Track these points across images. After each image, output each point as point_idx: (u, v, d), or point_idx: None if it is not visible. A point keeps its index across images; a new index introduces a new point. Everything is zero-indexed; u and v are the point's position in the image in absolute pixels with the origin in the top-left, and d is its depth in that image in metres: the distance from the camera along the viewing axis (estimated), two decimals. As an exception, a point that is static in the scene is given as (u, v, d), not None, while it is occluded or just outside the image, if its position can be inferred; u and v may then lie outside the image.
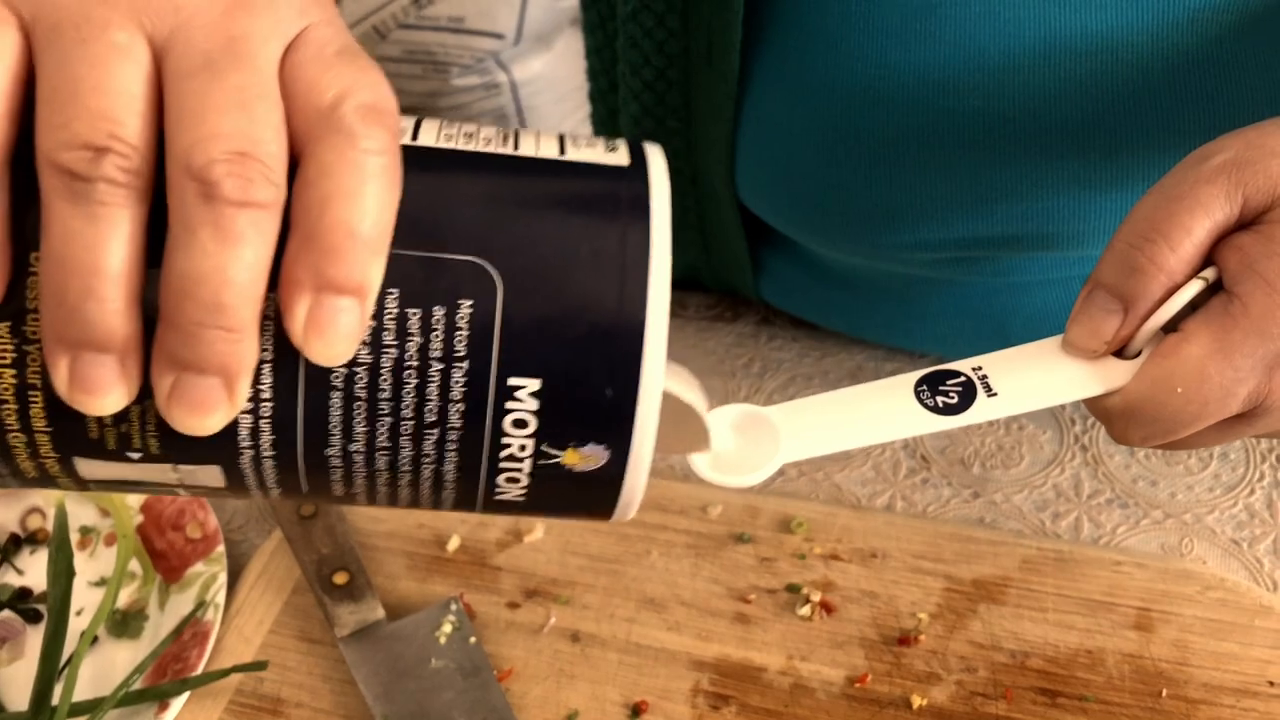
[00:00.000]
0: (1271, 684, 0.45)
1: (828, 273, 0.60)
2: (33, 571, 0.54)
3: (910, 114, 0.49)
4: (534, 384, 0.26)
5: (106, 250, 0.23)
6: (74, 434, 0.26)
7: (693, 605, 0.50)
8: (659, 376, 0.26)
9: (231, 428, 0.26)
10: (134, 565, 0.53)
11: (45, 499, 0.56)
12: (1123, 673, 0.46)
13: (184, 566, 0.52)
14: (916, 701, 0.46)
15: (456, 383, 0.26)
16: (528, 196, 0.26)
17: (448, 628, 0.49)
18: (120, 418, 0.26)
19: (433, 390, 0.26)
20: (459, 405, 0.26)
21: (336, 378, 0.26)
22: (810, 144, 0.52)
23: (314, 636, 0.50)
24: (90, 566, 0.54)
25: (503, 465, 0.27)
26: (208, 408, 0.24)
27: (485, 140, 0.27)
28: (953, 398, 0.37)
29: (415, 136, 0.27)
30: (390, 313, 0.25)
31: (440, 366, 0.26)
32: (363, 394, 0.26)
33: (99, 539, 0.55)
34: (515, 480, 0.27)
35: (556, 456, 0.27)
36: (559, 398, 0.26)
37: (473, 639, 0.49)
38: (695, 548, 0.52)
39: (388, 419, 0.26)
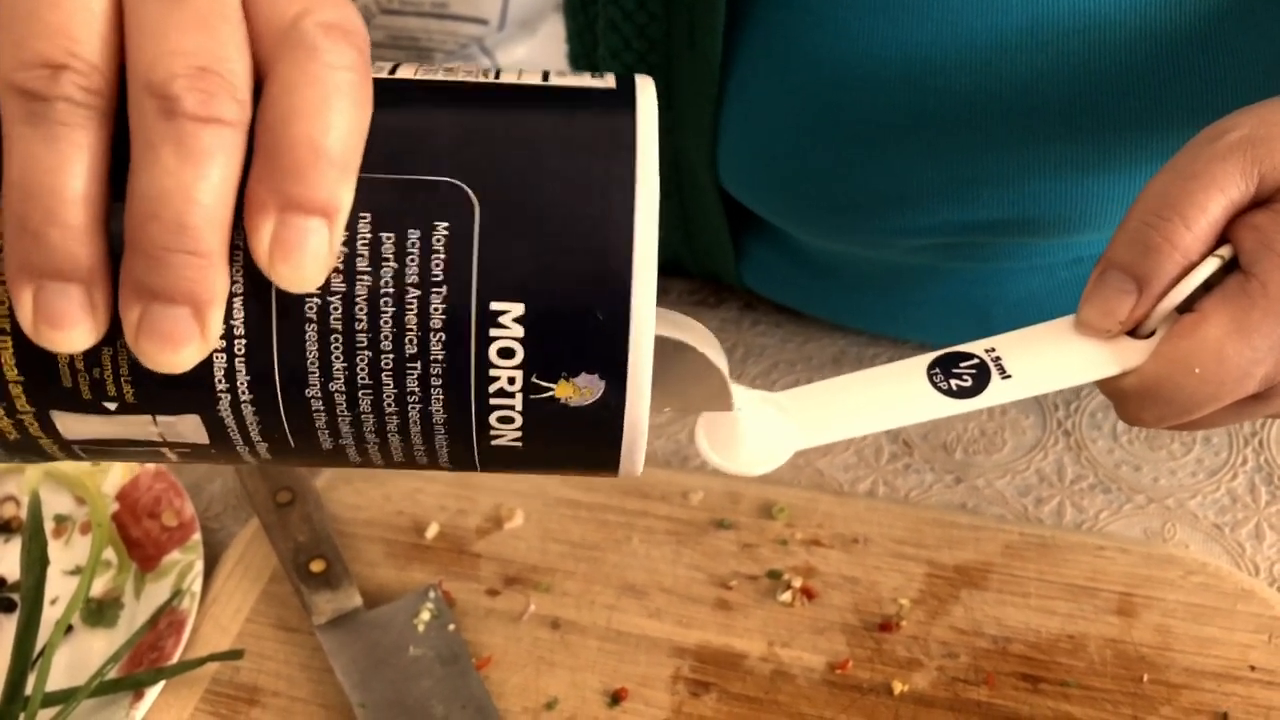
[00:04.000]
0: (1253, 668, 0.45)
1: (810, 259, 0.60)
2: (7, 560, 0.53)
3: (897, 94, 0.48)
4: (518, 309, 0.25)
5: (68, 173, 0.23)
6: (47, 382, 0.25)
7: (673, 592, 0.50)
8: (650, 298, 0.25)
9: (206, 369, 0.25)
10: (109, 554, 0.53)
11: (19, 487, 0.56)
12: (1104, 658, 0.46)
13: (160, 555, 0.52)
14: (898, 687, 0.46)
15: (435, 310, 0.25)
16: (505, 116, 0.25)
17: (426, 615, 0.49)
18: (92, 361, 0.25)
19: (411, 319, 0.25)
20: (440, 334, 0.25)
21: (310, 309, 0.24)
22: (794, 127, 0.51)
23: (291, 625, 0.50)
24: (65, 555, 0.53)
25: (494, 402, 0.26)
26: (178, 340, 0.23)
27: (465, 74, 0.27)
28: (966, 380, 0.36)
29: (393, 74, 0.26)
30: (364, 238, 0.24)
31: (417, 293, 0.24)
32: (339, 326, 0.25)
33: (74, 527, 0.55)
34: (509, 420, 0.26)
35: (549, 389, 0.25)
36: (545, 323, 0.25)
37: (451, 626, 0.49)
38: (676, 534, 0.52)
39: (366, 352, 0.25)
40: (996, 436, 0.56)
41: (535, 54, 1.38)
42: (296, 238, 0.23)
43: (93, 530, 0.53)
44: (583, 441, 0.27)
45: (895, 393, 0.36)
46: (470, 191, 0.24)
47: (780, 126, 0.52)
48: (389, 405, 0.26)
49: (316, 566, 0.50)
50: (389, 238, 0.24)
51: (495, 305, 0.25)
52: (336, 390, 0.25)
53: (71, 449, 0.27)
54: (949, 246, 0.54)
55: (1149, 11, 0.45)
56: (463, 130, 0.25)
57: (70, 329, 0.23)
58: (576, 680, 0.47)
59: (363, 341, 0.25)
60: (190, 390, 0.25)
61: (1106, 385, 0.38)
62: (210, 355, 0.25)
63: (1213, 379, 0.35)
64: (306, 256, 0.23)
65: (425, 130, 0.25)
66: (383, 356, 0.25)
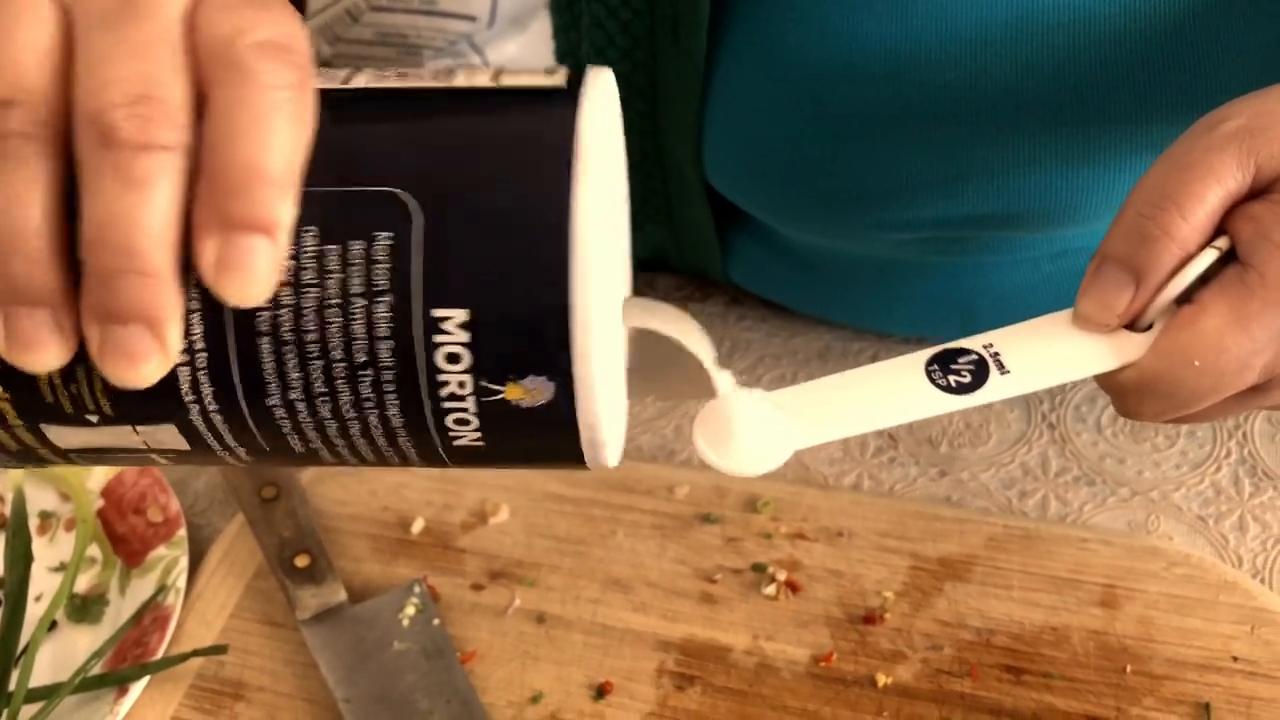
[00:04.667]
0: (1235, 659, 0.45)
1: (796, 254, 0.60)
2: (-9, 557, 0.53)
3: (882, 89, 0.48)
4: (461, 314, 0.25)
5: (25, 204, 0.23)
6: (32, 399, 0.26)
7: (658, 586, 0.50)
8: (596, 296, 0.25)
9: (172, 382, 0.26)
10: (94, 550, 0.53)
11: (3, 484, 0.56)
12: (1087, 649, 0.46)
13: (145, 550, 0.52)
14: (881, 680, 0.46)
15: (381, 318, 0.25)
16: (445, 122, 0.26)
17: (411, 610, 0.49)
18: (69, 378, 0.26)
19: (359, 328, 0.25)
20: (388, 342, 0.25)
21: (262, 322, 0.25)
22: (779, 122, 0.51)
23: (276, 620, 0.50)
24: (50, 552, 0.53)
25: (446, 405, 0.26)
26: (138, 357, 0.24)
27: (417, 79, 0.27)
28: (965, 376, 0.36)
29: (347, 83, 0.27)
30: (309, 251, 0.25)
31: (363, 303, 0.25)
32: (290, 337, 0.25)
33: (59, 524, 0.54)
34: (465, 422, 0.26)
35: (499, 392, 0.26)
36: (488, 328, 0.25)
37: (436, 621, 0.49)
38: (661, 528, 0.52)
39: (319, 361, 0.25)
40: (981, 430, 0.57)
41: (526, 51, 1.38)
42: (240, 256, 0.24)
43: (77, 526, 0.53)
44: (542, 440, 0.27)
45: (894, 390, 0.36)
46: (411, 200, 0.25)
47: (765, 122, 0.52)
48: (348, 411, 0.26)
49: (301, 562, 0.50)
50: (333, 249, 0.25)
51: (438, 312, 0.25)
52: (296, 399, 0.26)
53: (69, 456, 0.28)
54: (934, 240, 0.54)
55: (1134, 5, 0.45)
56: (403, 138, 0.25)
57: (40, 351, 0.24)
58: (561, 674, 0.47)
59: (314, 351, 0.25)
60: (161, 401, 0.26)
61: (1105, 380, 0.37)
62: (175, 369, 0.25)
63: (1212, 371, 0.34)
64: (251, 273, 0.24)
65: (368, 140, 0.25)
66: (335, 365, 0.26)
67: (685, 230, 0.61)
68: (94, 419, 0.27)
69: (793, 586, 0.49)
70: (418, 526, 0.53)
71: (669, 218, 0.62)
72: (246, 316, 0.25)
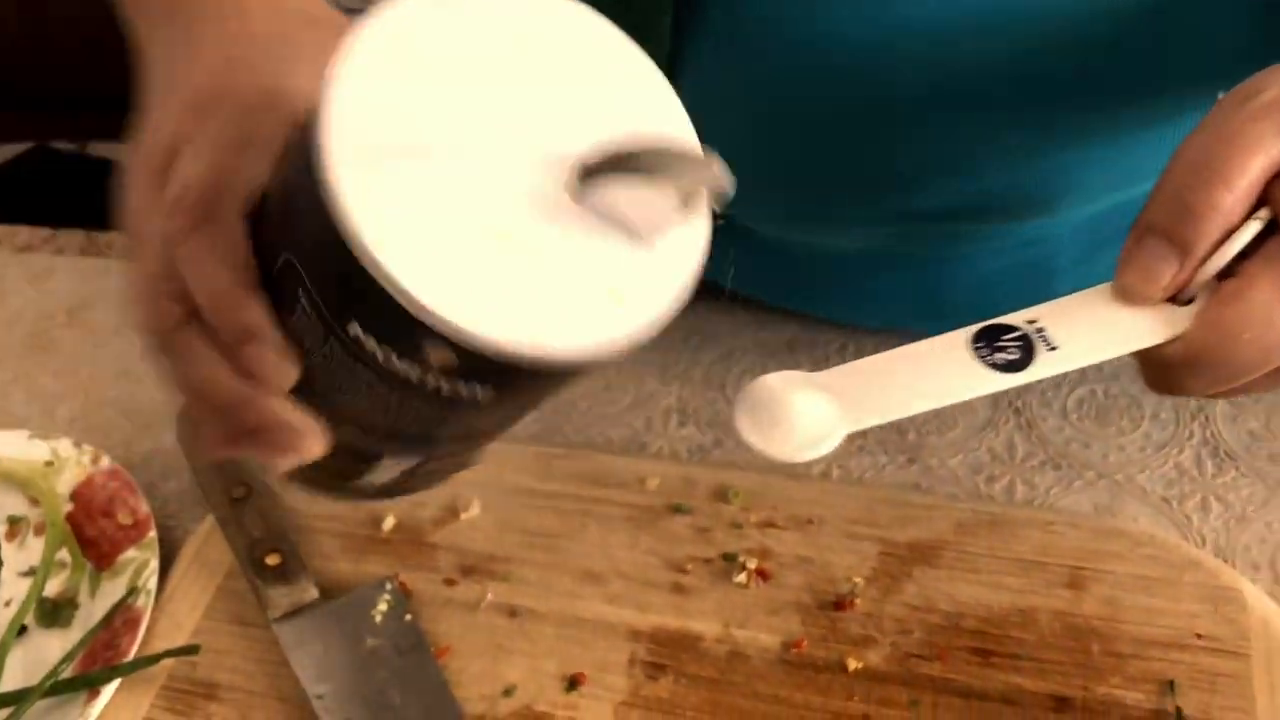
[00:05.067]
0: (1199, 636, 0.46)
1: (765, 247, 0.60)
2: (-40, 563, 0.53)
3: (846, 84, 0.49)
4: (356, 324, 0.29)
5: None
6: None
7: (630, 577, 0.50)
8: (392, 248, 0.26)
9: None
10: (64, 554, 0.52)
11: (-28, 490, 0.56)
12: (1055, 630, 0.47)
13: (115, 553, 0.52)
14: (852, 664, 0.46)
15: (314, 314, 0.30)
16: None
17: (383, 606, 0.49)
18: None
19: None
20: (337, 335, 0.29)
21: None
22: (745, 118, 0.52)
23: (248, 620, 0.50)
24: (19, 557, 0.53)
25: (396, 367, 0.29)
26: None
27: None
28: (1013, 354, 0.35)
29: None
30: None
31: (325, 324, 0.29)
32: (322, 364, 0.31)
33: (28, 528, 0.54)
34: (415, 378, 0.29)
35: (408, 357, 0.28)
36: (361, 313, 0.28)
37: (408, 617, 0.49)
38: (633, 520, 0.52)
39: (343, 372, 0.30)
40: (948, 416, 0.57)
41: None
42: (252, 364, 0.32)
43: (47, 530, 0.53)
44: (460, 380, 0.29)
45: (942, 370, 0.35)
46: (292, 256, 0.30)
47: (730, 119, 0.52)
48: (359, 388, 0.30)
49: (272, 560, 0.50)
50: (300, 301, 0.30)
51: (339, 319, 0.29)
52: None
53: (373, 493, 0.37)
54: (903, 233, 0.54)
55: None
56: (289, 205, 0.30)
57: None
58: (534, 666, 0.47)
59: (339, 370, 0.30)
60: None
61: (1149, 355, 0.37)
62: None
63: (1263, 343, 0.34)
64: (263, 366, 0.32)
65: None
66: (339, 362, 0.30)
67: None
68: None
69: (763, 574, 0.50)
70: (389, 524, 0.53)
71: None
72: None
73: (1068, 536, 0.50)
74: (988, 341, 0.35)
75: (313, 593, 0.49)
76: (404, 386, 0.29)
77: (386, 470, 0.36)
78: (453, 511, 0.53)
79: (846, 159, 0.50)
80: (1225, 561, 0.50)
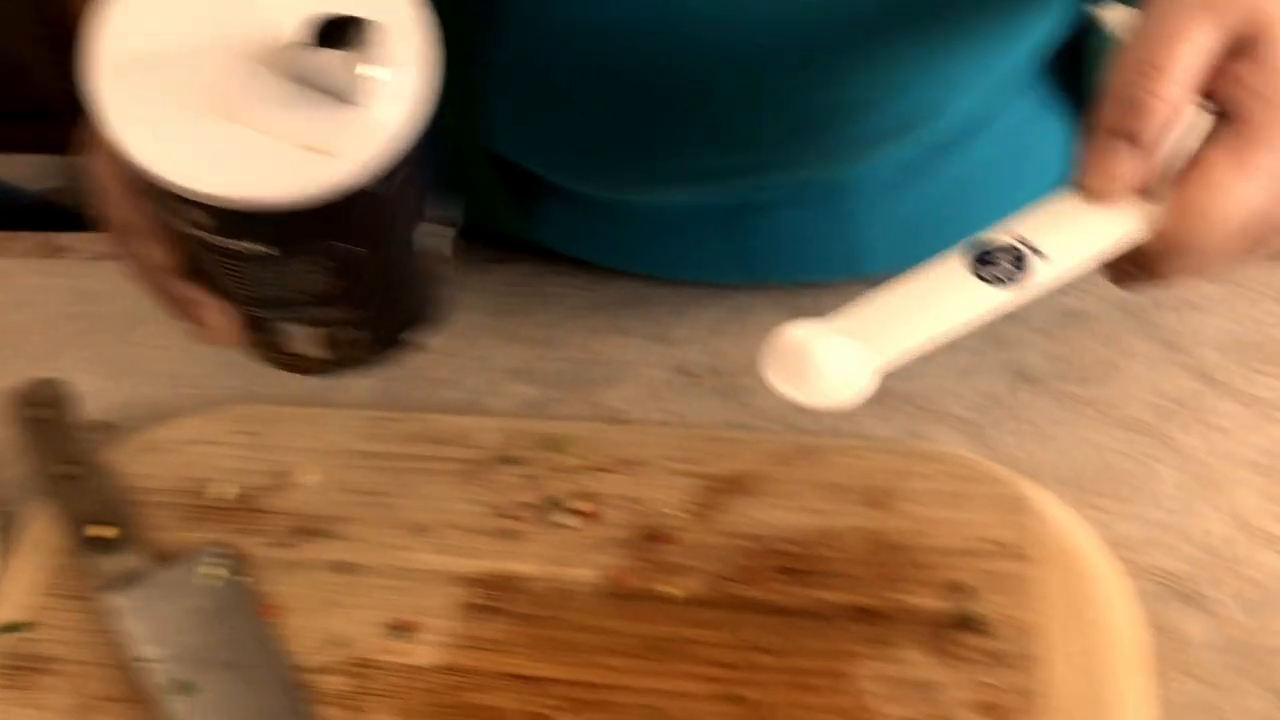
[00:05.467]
0: (993, 543, 0.49)
1: (595, 209, 0.62)
2: None
3: (633, 51, 0.50)
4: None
5: None
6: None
7: (460, 527, 0.52)
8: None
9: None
10: (-103, 544, 0.53)
11: None
12: (859, 547, 0.49)
13: (-51, 540, 0.52)
14: (672, 592, 0.48)
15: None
16: None
17: (212, 570, 0.50)
18: None
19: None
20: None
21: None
22: (553, 85, 0.53)
23: (86, 594, 0.50)
24: None
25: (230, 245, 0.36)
26: None
27: None
28: (1009, 269, 0.37)
29: None
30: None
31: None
32: None
33: None
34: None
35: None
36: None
37: (239, 579, 0.50)
38: (463, 473, 0.54)
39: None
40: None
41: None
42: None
43: (-122, 523, 0.53)
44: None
45: (950, 296, 0.37)
46: None
47: (539, 86, 0.54)
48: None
49: (104, 533, 0.51)
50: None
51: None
52: None
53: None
54: (712, 188, 0.56)
55: None
56: None
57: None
58: (365, 618, 0.49)
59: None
60: None
61: (1130, 258, 0.39)
62: None
63: (1230, 219, 0.37)
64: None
65: None
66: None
67: (480, 194, 0.63)
68: None
69: (589, 516, 0.52)
70: (222, 491, 0.54)
71: (465, 185, 0.63)
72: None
73: (874, 460, 0.53)
74: (982, 262, 0.37)
75: (144, 563, 0.50)
76: (217, 251, 0.36)
77: (298, 339, 0.41)
78: (286, 478, 0.54)
79: (634, 126, 0.52)
80: (1031, 479, 0.53)
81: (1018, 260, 0.37)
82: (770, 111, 0.52)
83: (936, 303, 0.37)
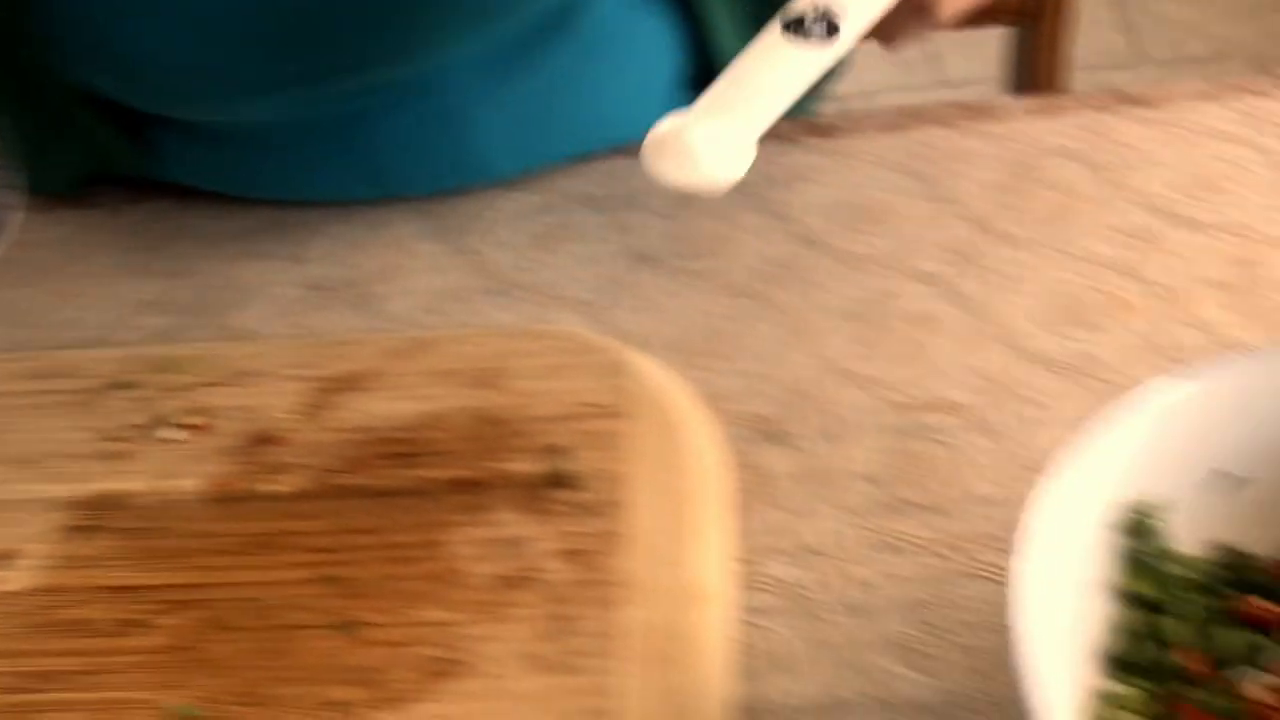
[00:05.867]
0: (595, 405, 0.50)
1: (206, 135, 0.61)
2: None
3: None
4: None
5: None
6: None
7: (65, 455, 0.51)
8: None
9: None
10: None
11: None
12: (464, 426, 0.51)
13: None
14: (278, 490, 0.49)
15: None
16: None
17: None
18: None
19: None
20: None
21: None
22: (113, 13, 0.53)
23: None
24: None
25: None
26: None
27: None
28: (824, 28, 0.42)
29: None
30: None
31: None
32: None
33: None
34: None
35: None
36: None
37: None
38: (74, 404, 0.53)
39: None
40: (402, 265, 0.60)
41: None
42: None
43: None
44: None
45: (789, 64, 0.42)
46: None
47: (97, 16, 0.53)
48: None
49: None
50: None
51: None
52: None
53: None
54: (307, 98, 0.57)
55: None
56: None
57: None
58: (-42, 551, 0.48)
59: None
60: None
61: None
62: None
63: None
64: None
65: None
66: None
67: (95, 139, 0.61)
68: None
69: (200, 429, 0.51)
70: None
71: (76, 133, 0.61)
72: None
73: (486, 344, 0.54)
74: (794, 29, 0.42)
75: None
76: None
77: None
78: (-119, 427, 0.52)
79: (218, 22, 0.52)
80: (641, 348, 0.55)
81: (826, 22, 0.43)
82: (338, 10, 0.52)
83: (783, 71, 0.42)
